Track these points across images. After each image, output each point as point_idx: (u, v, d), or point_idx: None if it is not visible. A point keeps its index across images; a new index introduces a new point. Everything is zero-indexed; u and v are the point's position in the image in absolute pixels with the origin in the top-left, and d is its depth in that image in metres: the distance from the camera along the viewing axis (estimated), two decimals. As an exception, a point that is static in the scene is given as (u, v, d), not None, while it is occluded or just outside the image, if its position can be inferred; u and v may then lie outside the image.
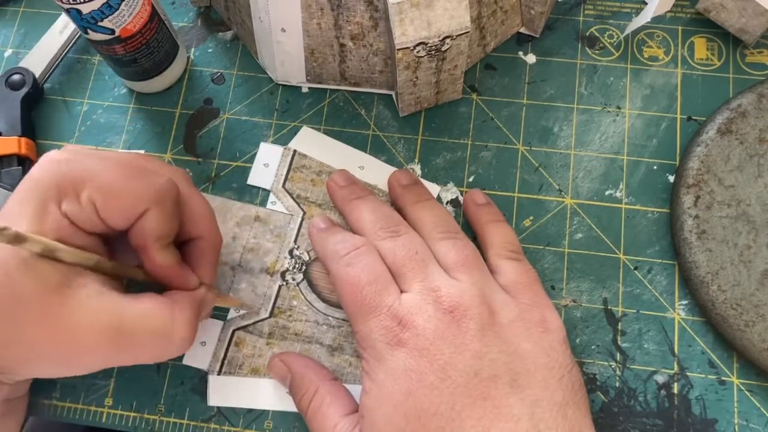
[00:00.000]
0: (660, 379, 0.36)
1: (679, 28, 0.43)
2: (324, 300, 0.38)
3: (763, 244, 0.36)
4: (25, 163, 0.41)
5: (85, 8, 0.35)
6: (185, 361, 0.38)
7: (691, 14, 0.43)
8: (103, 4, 0.35)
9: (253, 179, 0.41)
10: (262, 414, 0.37)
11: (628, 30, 0.42)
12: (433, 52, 0.36)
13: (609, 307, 0.38)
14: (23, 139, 0.41)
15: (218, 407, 0.37)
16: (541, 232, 0.39)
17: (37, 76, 0.43)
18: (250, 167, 0.41)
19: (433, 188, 0.40)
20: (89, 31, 0.36)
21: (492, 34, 0.42)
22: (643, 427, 0.36)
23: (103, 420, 0.37)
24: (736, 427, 0.35)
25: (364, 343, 0.32)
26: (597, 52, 0.43)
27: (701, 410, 0.36)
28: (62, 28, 0.44)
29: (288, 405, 0.37)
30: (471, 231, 0.39)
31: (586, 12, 0.44)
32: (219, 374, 0.37)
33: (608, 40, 0.43)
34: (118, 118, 0.43)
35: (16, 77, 0.43)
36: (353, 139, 0.42)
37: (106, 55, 0.39)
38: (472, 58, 0.42)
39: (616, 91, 0.42)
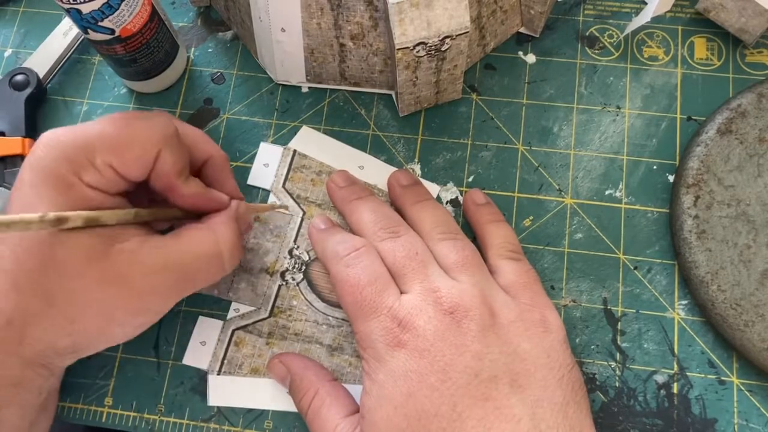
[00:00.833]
0: (660, 378, 0.36)
1: (679, 28, 0.43)
2: (324, 300, 0.38)
3: (763, 244, 0.36)
4: (25, 163, 0.41)
5: (86, 8, 0.35)
6: (185, 361, 0.38)
7: (691, 14, 0.44)
8: (104, 4, 0.35)
9: (253, 179, 0.41)
10: (262, 414, 0.37)
11: (628, 30, 0.42)
12: (432, 52, 0.36)
13: (609, 307, 0.38)
14: (27, 140, 0.41)
15: (218, 407, 0.37)
16: (541, 232, 0.39)
17: (41, 76, 0.43)
18: (250, 167, 0.41)
19: (433, 188, 0.40)
20: (89, 31, 0.37)
21: (492, 34, 0.42)
22: (642, 427, 0.36)
23: (103, 420, 0.37)
24: (736, 426, 0.35)
25: (364, 344, 0.32)
26: (597, 52, 0.43)
27: (701, 410, 0.36)
28: (67, 30, 0.44)
29: (288, 405, 0.37)
30: (471, 231, 0.39)
31: (586, 12, 0.44)
32: (219, 374, 0.37)
33: (608, 40, 0.43)
34: (118, 118, 0.43)
35: (19, 77, 0.43)
36: (353, 138, 0.42)
37: (107, 55, 0.39)
38: (472, 58, 0.42)
39: (616, 91, 0.42)
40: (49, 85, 0.44)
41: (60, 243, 0.28)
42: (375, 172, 0.41)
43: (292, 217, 0.40)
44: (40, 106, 0.44)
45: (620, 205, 0.40)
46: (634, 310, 0.38)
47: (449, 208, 0.40)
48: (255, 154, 0.42)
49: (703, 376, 0.36)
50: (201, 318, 0.38)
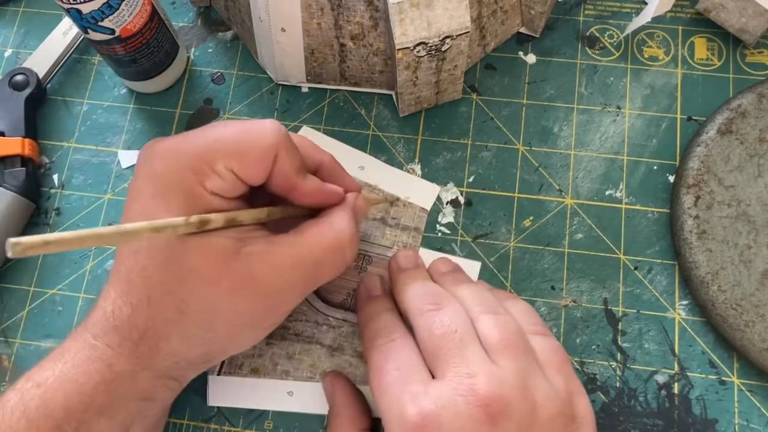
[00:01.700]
0: (660, 379, 0.36)
1: (679, 28, 0.43)
2: (324, 300, 0.38)
3: (763, 244, 0.36)
4: (28, 163, 0.41)
5: (86, 8, 0.35)
6: (185, 361, 0.38)
7: (691, 14, 0.44)
8: (104, 3, 0.35)
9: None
10: (262, 414, 0.37)
11: (628, 30, 0.42)
12: (433, 52, 0.36)
13: (609, 307, 0.38)
14: (26, 140, 0.41)
15: (218, 407, 0.37)
16: (541, 232, 0.39)
17: (40, 76, 0.43)
18: (250, 167, 0.41)
19: (433, 188, 0.40)
20: (89, 30, 0.36)
21: (492, 34, 0.42)
22: (643, 427, 0.36)
23: (103, 420, 0.37)
24: (737, 427, 0.35)
25: (387, 429, 0.29)
26: (597, 52, 0.43)
27: (701, 410, 0.36)
28: (66, 30, 0.44)
29: (288, 405, 0.37)
30: (471, 231, 0.39)
31: (586, 12, 0.44)
32: (219, 374, 0.37)
33: (608, 40, 0.43)
34: (118, 118, 0.43)
35: (19, 77, 0.43)
36: (353, 139, 0.42)
37: (106, 55, 0.39)
38: (472, 58, 0.42)
39: (616, 91, 0.42)
40: (48, 85, 0.44)
41: (190, 251, 0.28)
42: (375, 172, 0.41)
43: None
44: (40, 106, 0.44)
45: (620, 205, 0.40)
46: (635, 311, 0.38)
47: (449, 208, 0.40)
48: (255, 154, 0.42)
49: (703, 376, 0.36)
50: (201, 318, 0.38)
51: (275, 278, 0.29)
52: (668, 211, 0.39)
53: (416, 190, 0.40)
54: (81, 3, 0.34)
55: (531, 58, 0.43)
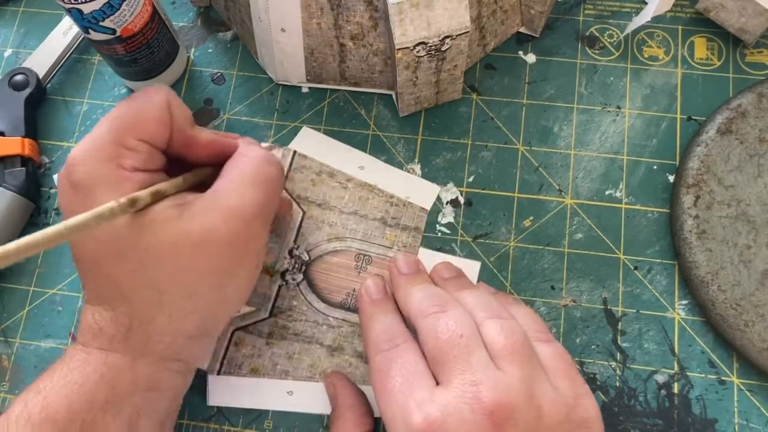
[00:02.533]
0: (660, 378, 0.36)
1: (679, 27, 0.43)
2: (324, 300, 0.38)
3: (763, 244, 0.36)
4: (28, 163, 0.41)
5: (87, 8, 0.35)
6: (185, 361, 0.38)
7: (691, 14, 0.44)
8: (105, 3, 0.35)
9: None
10: (262, 414, 0.37)
11: (628, 30, 0.42)
12: (433, 52, 0.36)
13: (609, 307, 0.38)
14: (26, 140, 0.41)
15: (218, 407, 0.37)
16: (541, 232, 0.39)
17: (40, 76, 0.43)
18: (250, 167, 0.41)
19: (433, 188, 0.40)
20: (90, 30, 0.37)
21: (492, 33, 0.42)
22: (643, 427, 0.36)
23: (104, 420, 0.37)
24: (736, 426, 0.35)
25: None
26: (597, 51, 0.43)
27: (701, 410, 0.36)
28: (66, 30, 0.44)
29: (288, 405, 0.37)
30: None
31: (586, 12, 0.44)
32: (219, 374, 0.37)
33: (608, 40, 0.43)
34: (118, 118, 0.43)
35: (19, 77, 0.43)
36: (353, 139, 0.42)
37: (107, 54, 0.39)
38: (472, 58, 0.42)
39: (616, 91, 0.42)
40: (48, 85, 0.44)
41: (140, 234, 0.28)
42: (375, 172, 0.41)
43: (292, 217, 0.40)
44: (40, 106, 0.44)
45: (620, 205, 0.40)
46: (635, 310, 0.38)
47: (449, 208, 0.40)
48: (255, 154, 0.42)
49: (703, 376, 0.36)
50: (201, 318, 0.38)
51: (227, 220, 0.29)
52: (668, 211, 0.39)
53: (416, 190, 0.40)
54: (82, 3, 0.34)
55: (531, 58, 0.43)
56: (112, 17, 0.36)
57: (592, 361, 0.37)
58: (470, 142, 0.41)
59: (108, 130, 0.30)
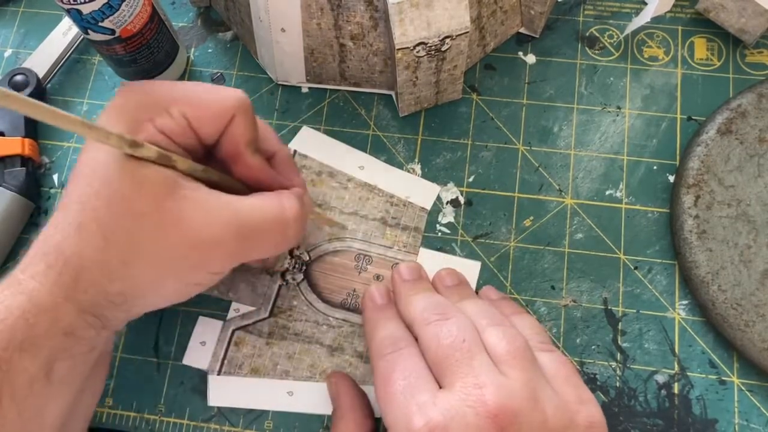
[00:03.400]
0: (660, 379, 0.36)
1: (679, 28, 0.43)
2: (324, 300, 0.38)
3: (763, 244, 0.36)
4: (28, 163, 0.41)
5: (86, 9, 0.35)
6: (185, 361, 0.38)
7: (691, 14, 0.44)
8: (104, 4, 0.35)
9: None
10: (262, 414, 0.37)
11: (628, 30, 0.42)
12: (432, 52, 0.36)
13: (609, 307, 0.38)
14: (26, 140, 0.41)
15: (218, 407, 0.37)
16: (541, 232, 0.39)
17: (40, 76, 0.43)
18: (250, 167, 0.41)
19: (433, 188, 0.40)
20: (90, 31, 0.37)
21: (492, 34, 0.42)
22: (643, 427, 0.36)
23: (103, 420, 0.37)
24: (737, 426, 0.35)
25: None
26: (597, 52, 0.43)
27: (701, 410, 0.36)
28: (66, 30, 0.44)
29: (288, 405, 0.37)
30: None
31: (586, 12, 0.44)
32: (219, 374, 0.37)
33: (608, 40, 0.43)
34: (118, 118, 0.43)
35: (19, 78, 0.43)
36: (353, 139, 0.42)
37: (107, 55, 0.39)
38: (472, 58, 0.42)
39: (616, 91, 0.42)
40: (48, 85, 0.44)
41: (124, 178, 0.28)
42: (375, 172, 0.41)
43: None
44: (40, 106, 0.44)
45: (620, 205, 0.40)
46: (635, 310, 0.38)
47: (449, 208, 0.40)
48: (255, 154, 0.42)
49: (703, 376, 0.36)
50: (201, 318, 0.38)
51: (205, 228, 0.29)
52: (668, 210, 0.39)
53: (416, 190, 0.40)
54: (81, 3, 0.34)
55: (531, 58, 0.43)
56: (111, 18, 0.36)
57: (592, 361, 0.37)
58: (470, 142, 0.41)
59: (166, 90, 0.30)
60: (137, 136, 0.28)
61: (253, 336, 0.38)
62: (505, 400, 0.27)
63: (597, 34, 0.44)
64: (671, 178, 0.40)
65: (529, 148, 0.41)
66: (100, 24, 0.36)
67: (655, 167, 0.40)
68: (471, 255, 0.39)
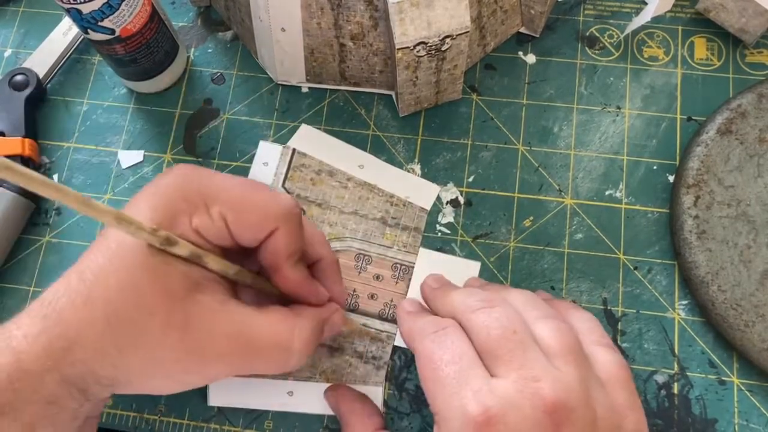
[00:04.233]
0: (660, 379, 0.36)
1: (679, 28, 0.43)
2: (324, 300, 0.38)
3: (763, 244, 0.36)
4: (28, 163, 0.41)
5: (86, 8, 0.35)
6: (185, 361, 0.38)
7: (691, 14, 0.44)
8: (104, 4, 0.35)
9: (252, 179, 0.41)
10: (262, 414, 0.37)
11: (628, 30, 0.42)
12: (433, 51, 0.36)
13: (609, 307, 0.38)
14: (26, 140, 0.41)
15: (218, 407, 0.37)
16: (541, 232, 0.39)
17: (40, 76, 0.43)
18: (250, 167, 0.41)
19: (433, 188, 0.40)
20: (89, 30, 0.37)
21: (492, 34, 0.42)
22: (643, 427, 0.36)
23: (103, 420, 0.37)
24: (737, 426, 0.35)
25: (443, 424, 0.28)
26: (597, 52, 0.43)
27: (701, 410, 0.36)
28: (66, 30, 0.44)
29: (288, 405, 0.37)
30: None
31: (586, 12, 0.44)
32: (219, 374, 0.37)
33: (608, 40, 0.43)
34: (117, 118, 0.43)
35: (19, 78, 0.43)
36: (353, 139, 0.42)
37: (107, 54, 0.39)
38: (472, 58, 0.42)
39: (616, 91, 0.42)
40: (49, 85, 0.44)
41: (149, 271, 0.27)
42: (375, 171, 0.41)
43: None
44: (40, 106, 0.44)
45: (620, 205, 0.40)
46: (635, 311, 0.38)
47: (449, 208, 0.40)
48: (255, 155, 0.42)
49: (703, 376, 0.36)
50: (201, 318, 0.38)
51: (208, 340, 0.28)
52: (668, 211, 0.39)
53: (416, 190, 0.40)
54: (81, 3, 0.34)
55: (531, 58, 0.43)
56: (111, 17, 0.36)
57: (592, 361, 0.37)
58: (470, 142, 0.41)
59: (213, 186, 0.30)
60: (171, 231, 0.28)
61: (253, 336, 0.38)
62: (562, 395, 0.26)
63: (597, 34, 0.43)
64: (671, 178, 0.40)
65: (529, 148, 0.41)
66: (99, 23, 0.36)
67: (654, 167, 0.40)
68: (471, 255, 0.39)
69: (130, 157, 0.42)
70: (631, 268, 0.38)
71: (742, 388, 0.36)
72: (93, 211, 0.24)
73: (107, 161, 0.42)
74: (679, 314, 0.38)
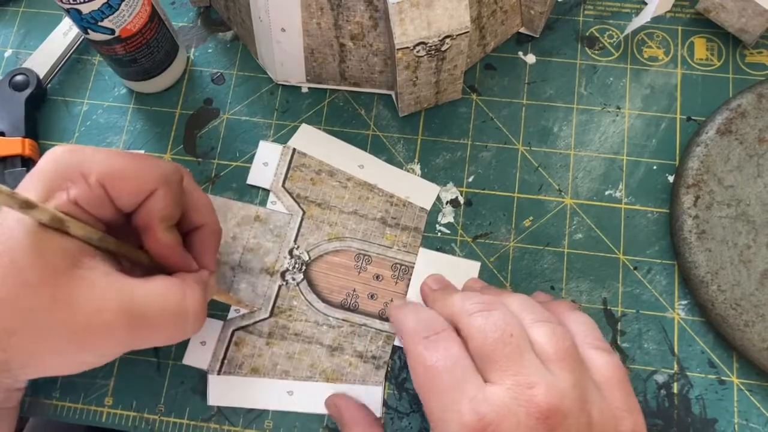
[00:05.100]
0: (660, 378, 0.36)
1: (679, 28, 0.43)
2: (324, 300, 0.38)
3: (763, 244, 0.37)
4: (28, 164, 0.41)
5: (86, 8, 0.35)
6: (185, 361, 0.38)
7: (691, 14, 0.44)
8: (104, 4, 0.35)
9: (252, 178, 0.41)
10: (262, 414, 0.37)
11: (628, 30, 0.42)
12: (432, 52, 0.36)
13: (608, 307, 0.38)
14: (27, 140, 0.41)
15: (218, 407, 0.37)
16: (541, 232, 0.39)
17: (41, 77, 0.43)
18: (249, 167, 0.41)
19: (433, 188, 0.40)
20: (89, 31, 0.37)
21: (492, 34, 0.42)
22: (642, 427, 0.36)
23: (103, 420, 0.37)
24: (736, 426, 0.35)
25: (436, 427, 0.29)
26: (597, 52, 0.43)
27: (701, 410, 0.36)
28: (67, 30, 0.44)
29: (288, 405, 0.37)
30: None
31: (586, 12, 0.44)
32: (219, 374, 0.37)
33: (608, 40, 0.43)
34: (117, 118, 0.43)
35: (19, 78, 0.43)
36: (353, 139, 0.42)
37: (106, 55, 0.39)
38: (471, 58, 0.42)
39: (615, 91, 0.42)
40: (49, 86, 0.44)
41: (31, 249, 0.27)
42: (375, 171, 0.41)
43: (291, 216, 0.40)
44: (40, 106, 0.44)
45: (620, 205, 0.40)
46: (634, 311, 0.38)
47: (449, 208, 0.40)
48: (255, 155, 0.42)
49: (703, 376, 0.36)
50: (201, 318, 0.38)
51: (95, 314, 0.28)
52: (668, 211, 0.39)
53: (416, 190, 0.40)
54: (81, 3, 0.34)
55: (531, 58, 0.43)
56: (110, 17, 0.36)
57: (591, 361, 0.37)
58: (470, 143, 0.41)
59: (90, 157, 0.29)
60: (48, 203, 0.28)
61: (253, 336, 0.38)
62: (556, 401, 0.27)
63: (597, 34, 0.44)
64: (671, 178, 0.40)
65: (528, 148, 0.41)
66: (99, 24, 0.36)
67: (654, 167, 0.40)
68: (470, 255, 0.39)
69: (130, 157, 0.42)
70: (631, 268, 0.38)
71: (742, 387, 0.36)
72: None
73: (107, 161, 0.42)
74: (678, 314, 0.38)
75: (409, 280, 0.39)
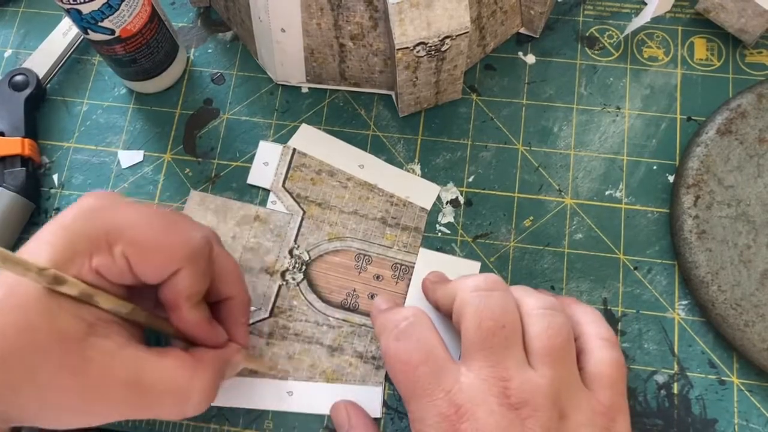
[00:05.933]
0: (660, 379, 0.36)
1: (679, 28, 0.43)
2: (324, 300, 0.38)
3: (763, 244, 0.37)
4: (28, 163, 0.41)
5: (86, 8, 0.35)
6: (185, 361, 0.38)
7: (691, 14, 0.44)
8: (104, 4, 0.35)
9: (252, 178, 0.41)
10: (262, 414, 0.37)
11: (628, 30, 0.42)
12: (432, 52, 0.36)
13: (609, 307, 0.38)
14: (26, 140, 0.41)
15: (218, 407, 0.37)
16: (541, 232, 0.39)
17: (40, 77, 0.43)
18: (249, 167, 0.41)
19: (433, 188, 0.40)
20: (89, 31, 0.37)
21: (492, 34, 0.42)
22: (643, 427, 0.36)
23: (103, 420, 0.37)
24: (736, 426, 0.35)
25: (418, 425, 0.29)
26: (597, 52, 0.43)
27: (701, 410, 0.36)
28: (66, 30, 0.44)
29: (288, 405, 0.37)
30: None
31: (585, 12, 0.44)
32: (219, 374, 0.37)
33: (608, 41, 0.43)
34: (117, 118, 0.43)
35: (19, 78, 0.43)
36: (353, 139, 0.42)
37: (106, 55, 0.39)
38: (471, 59, 0.42)
39: (615, 91, 0.42)
40: (48, 86, 0.44)
41: (40, 313, 0.27)
42: (375, 171, 0.41)
43: (291, 216, 0.40)
44: (40, 106, 0.44)
45: (620, 205, 0.40)
46: (635, 311, 0.38)
47: (449, 208, 0.40)
48: (255, 154, 0.42)
49: (703, 376, 0.36)
50: (201, 318, 0.38)
51: (101, 384, 0.28)
52: (668, 211, 0.39)
53: (416, 190, 0.40)
54: (81, 3, 0.34)
55: (531, 59, 0.43)
56: (110, 18, 0.36)
57: (592, 361, 0.37)
58: (470, 143, 0.41)
59: (119, 223, 0.29)
60: (68, 270, 0.27)
61: (253, 336, 0.38)
62: (527, 395, 0.28)
63: (597, 35, 0.44)
64: (671, 179, 0.40)
65: (528, 148, 0.41)
66: (99, 24, 0.36)
67: (654, 167, 0.40)
68: (471, 255, 0.39)
69: (130, 157, 0.42)
70: (631, 268, 0.38)
71: (742, 388, 0.36)
72: None
73: (107, 161, 0.42)
74: (679, 314, 0.38)
75: (410, 280, 0.39)
